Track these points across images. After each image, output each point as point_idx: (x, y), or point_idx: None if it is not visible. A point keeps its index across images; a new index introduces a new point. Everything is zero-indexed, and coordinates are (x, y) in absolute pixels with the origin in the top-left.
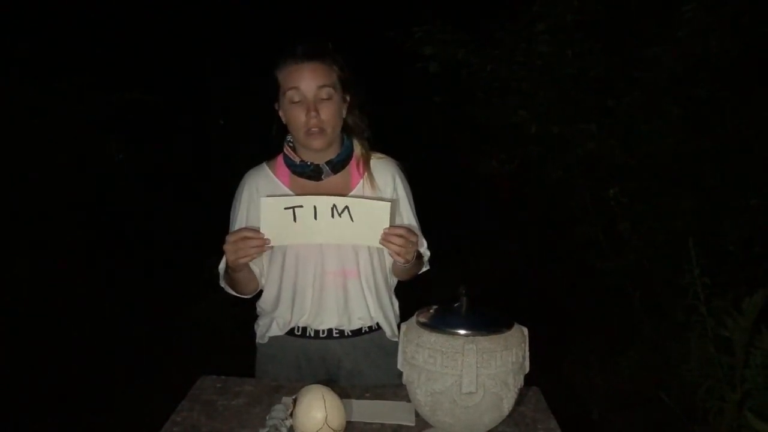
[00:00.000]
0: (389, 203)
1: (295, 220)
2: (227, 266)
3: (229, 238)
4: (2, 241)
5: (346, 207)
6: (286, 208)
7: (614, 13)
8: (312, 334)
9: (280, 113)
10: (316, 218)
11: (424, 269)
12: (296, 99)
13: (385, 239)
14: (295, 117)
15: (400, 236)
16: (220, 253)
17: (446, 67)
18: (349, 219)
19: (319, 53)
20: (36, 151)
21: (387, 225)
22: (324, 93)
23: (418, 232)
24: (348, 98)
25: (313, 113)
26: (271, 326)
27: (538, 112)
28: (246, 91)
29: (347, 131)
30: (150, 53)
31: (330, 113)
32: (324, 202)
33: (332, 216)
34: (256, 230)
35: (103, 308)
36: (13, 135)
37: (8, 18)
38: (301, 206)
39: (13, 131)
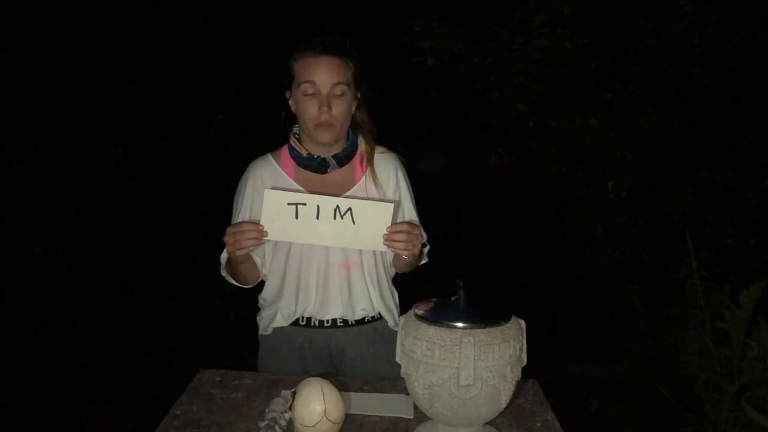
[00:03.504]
0: (392, 204)
1: (297, 217)
2: (228, 257)
3: (229, 230)
4: (1, 237)
5: (349, 209)
6: (289, 204)
7: (612, 6)
8: (316, 324)
9: (290, 102)
10: (318, 218)
11: (423, 261)
12: (310, 92)
13: (389, 239)
14: (307, 109)
15: (403, 232)
16: (221, 246)
17: (444, 61)
18: (351, 221)
19: (337, 49)
20: (34, 147)
21: (389, 225)
22: (338, 90)
23: (418, 223)
24: (359, 95)
25: (325, 108)
26: (275, 317)
27: (537, 106)
28: (245, 86)
29: (353, 126)
30: (149, 48)
31: (341, 110)
32: (328, 203)
33: (334, 217)
34: (255, 223)
35: (104, 302)
36: (11, 130)
37: (6, 14)
38: (305, 204)
39: (12, 127)
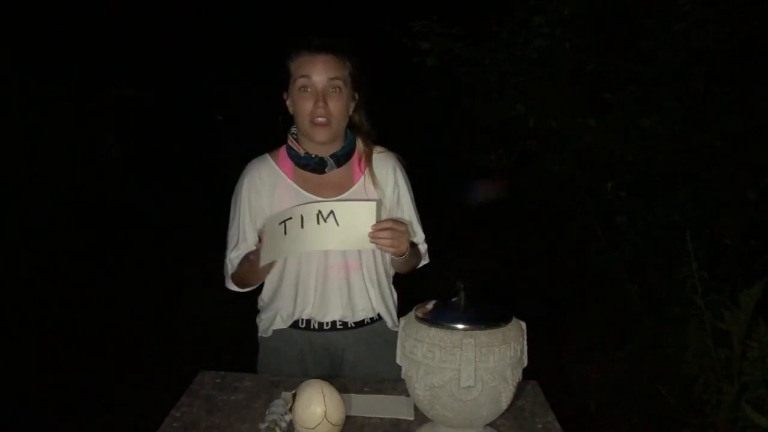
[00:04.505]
0: (374, 203)
1: (285, 233)
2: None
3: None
4: (2, 237)
5: (332, 211)
6: (279, 223)
7: (611, 6)
8: (316, 327)
9: (288, 102)
10: (302, 227)
11: (424, 262)
12: (306, 87)
13: (373, 237)
14: (303, 105)
15: (388, 230)
16: (220, 247)
17: (444, 61)
18: (335, 223)
19: (333, 47)
20: (33, 147)
21: (373, 223)
22: (334, 85)
23: (417, 223)
24: (356, 96)
25: (320, 103)
26: (275, 319)
27: (536, 106)
28: (245, 87)
29: (351, 128)
30: (147, 49)
31: (338, 106)
32: (309, 210)
33: (318, 222)
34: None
35: (103, 303)
36: (10, 131)
37: (8, 12)
38: (291, 218)
39: (11, 127)
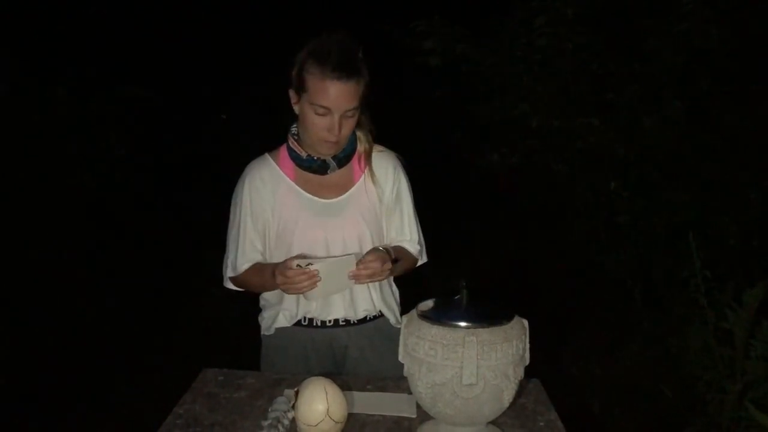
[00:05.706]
0: (353, 256)
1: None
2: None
3: (279, 280)
4: (2, 236)
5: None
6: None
7: (614, 6)
8: (319, 324)
9: (294, 104)
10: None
11: (422, 261)
12: (321, 113)
13: (355, 276)
14: (316, 123)
15: (369, 269)
16: (221, 248)
17: (447, 61)
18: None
19: (351, 68)
20: (36, 147)
21: (352, 269)
22: (350, 113)
23: (415, 223)
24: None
25: (335, 131)
26: (277, 318)
27: (539, 106)
28: (247, 86)
29: None
30: (150, 49)
31: (350, 128)
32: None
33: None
34: (305, 271)
35: (106, 302)
36: (13, 130)
37: (9, 12)
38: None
39: (14, 126)
